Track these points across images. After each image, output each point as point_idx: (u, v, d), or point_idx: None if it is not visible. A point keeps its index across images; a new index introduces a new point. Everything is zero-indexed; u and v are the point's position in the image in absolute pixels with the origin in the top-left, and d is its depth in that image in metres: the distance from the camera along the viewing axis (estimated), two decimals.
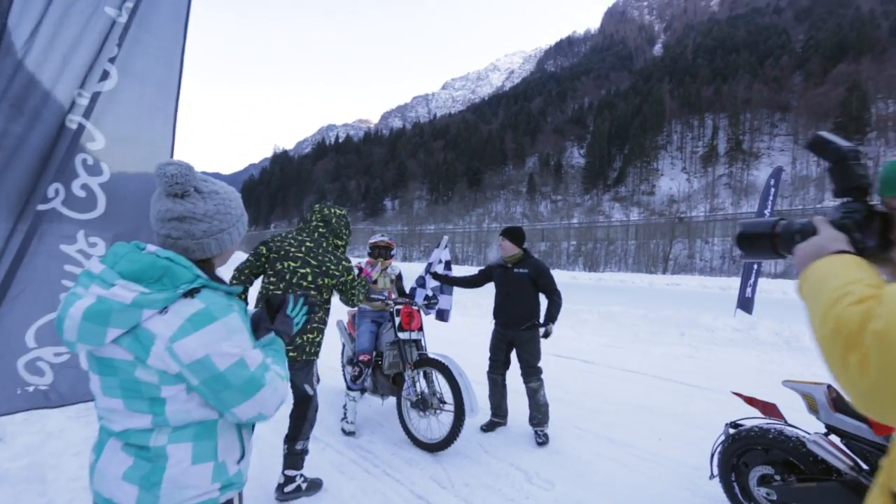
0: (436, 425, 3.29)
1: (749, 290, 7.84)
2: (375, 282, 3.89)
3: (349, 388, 3.66)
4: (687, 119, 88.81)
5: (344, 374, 4.33)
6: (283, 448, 2.61)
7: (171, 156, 2.52)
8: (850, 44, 74.55)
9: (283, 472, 2.59)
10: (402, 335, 3.47)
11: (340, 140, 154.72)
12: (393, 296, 3.90)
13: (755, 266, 7.86)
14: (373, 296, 3.49)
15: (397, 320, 3.49)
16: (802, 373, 5.76)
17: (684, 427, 3.84)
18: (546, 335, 3.42)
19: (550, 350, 6.48)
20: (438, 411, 3.29)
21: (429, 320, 4.20)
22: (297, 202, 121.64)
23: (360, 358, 3.61)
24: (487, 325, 3.98)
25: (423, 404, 3.29)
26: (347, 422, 3.62)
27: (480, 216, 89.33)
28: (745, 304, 7.86)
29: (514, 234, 3.59)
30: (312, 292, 2.48)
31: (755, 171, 72.62)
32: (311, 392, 2.58)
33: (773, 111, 79.64)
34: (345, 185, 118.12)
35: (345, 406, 3.68)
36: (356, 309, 4.05)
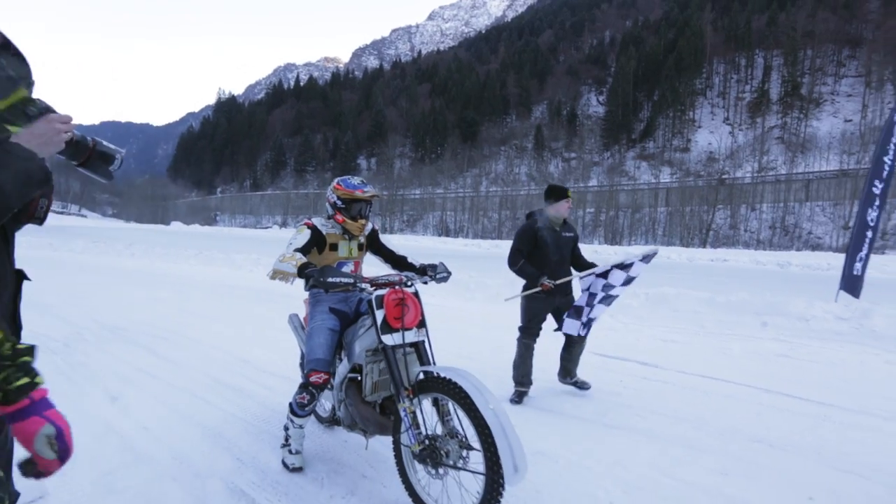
0: (456, 486, 2.41)
1: (858, 266, 7.09)
2: (335, 247, 3.03)
3: (294, 414, 2.85)
4: (732, 57, 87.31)
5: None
6: None
7: None
8: None
9: None
10: (389, 339, 2.55)
11: (302, 83, 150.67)
12: (363, 271, 3.04)
13: (868, 234, 7.07)
14: (331, 279, 2.47)
15: (379, 315, 2.55)
16: None
17: (838, 475, 3.01)
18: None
19: (592, 348, 5.67)
20: (460, 467, 2.38)
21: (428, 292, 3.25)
22: (250, 161, 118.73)
23: (311, 378, 2.77)
24: (492, 311, 3.47)
25: (433, 456, 2.37)
26: (291, 451, 2.89)
27: (477, 178, 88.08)
28: (852, 284, 7.10)
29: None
30: None
31: (815, 121, 71.81)
32: None
33: (840, 46, 78.27)
34: (308, 138, 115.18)
35: (286, 427, 2.91)
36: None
